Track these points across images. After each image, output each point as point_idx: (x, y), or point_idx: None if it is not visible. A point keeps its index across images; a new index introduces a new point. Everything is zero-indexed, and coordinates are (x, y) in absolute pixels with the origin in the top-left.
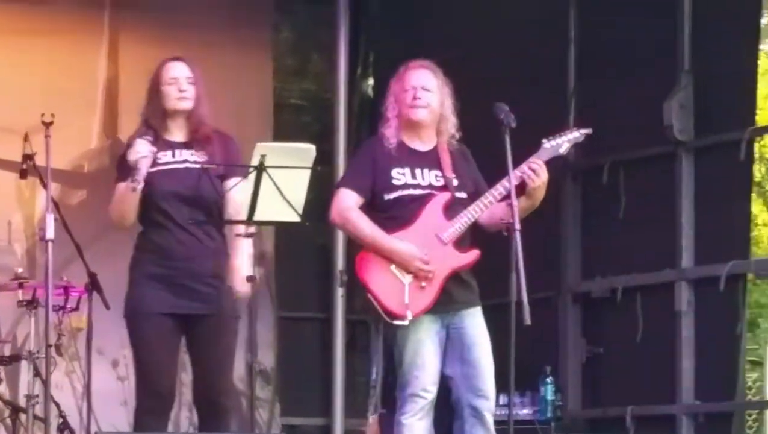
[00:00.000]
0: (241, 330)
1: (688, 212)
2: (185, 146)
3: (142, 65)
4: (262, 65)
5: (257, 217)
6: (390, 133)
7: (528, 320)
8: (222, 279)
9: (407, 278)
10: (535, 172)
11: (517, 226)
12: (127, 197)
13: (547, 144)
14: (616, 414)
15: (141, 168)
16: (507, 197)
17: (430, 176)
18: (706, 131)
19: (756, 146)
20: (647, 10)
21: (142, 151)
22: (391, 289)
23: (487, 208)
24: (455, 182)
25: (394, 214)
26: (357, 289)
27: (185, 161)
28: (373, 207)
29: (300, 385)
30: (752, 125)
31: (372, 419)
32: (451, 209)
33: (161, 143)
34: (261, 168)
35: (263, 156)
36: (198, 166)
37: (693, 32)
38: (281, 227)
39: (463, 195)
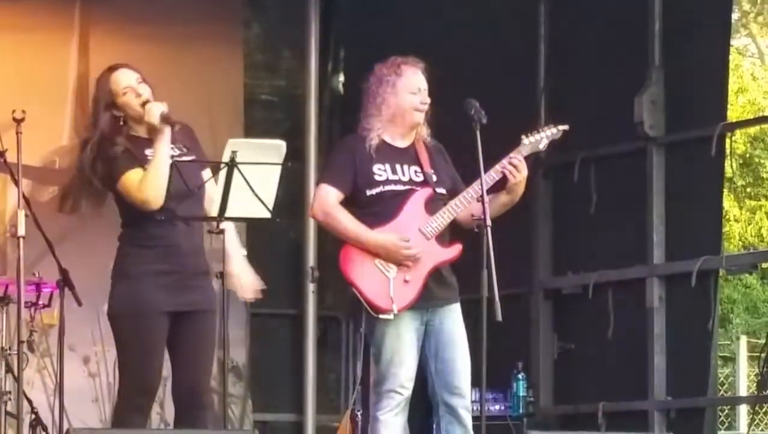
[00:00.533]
0: None
1: (659, 208)
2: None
3: (113, 61)
4: (232, 61)
5: (228, 213)
6: (375, 127)
7: (499, 317)
8: (207, 274)
9: (391, 273)
10: (516, 168)
11: (488, 222)
12: (163, 167)
13: (527, 140)
14: (588, 410)
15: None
16: (488, 192)
17: (410, 172)
18: (677, 126)
19: (728, 142)
20: (617, 6)
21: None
22: (376, 283)
23: (469, 203)
24: (434, 178)
25: (376, 210)
26: (328, 285)
27: (172, 157)
28: (354, 203)
29: (272, 381)
30: (723, 121)
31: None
32: (432, 205)
33: (142, 141)
34: (232, 164)
35: (234, 152)
36: (188, 160)
37: (663, 28)
38: (252, 223)
39: (442, 191)
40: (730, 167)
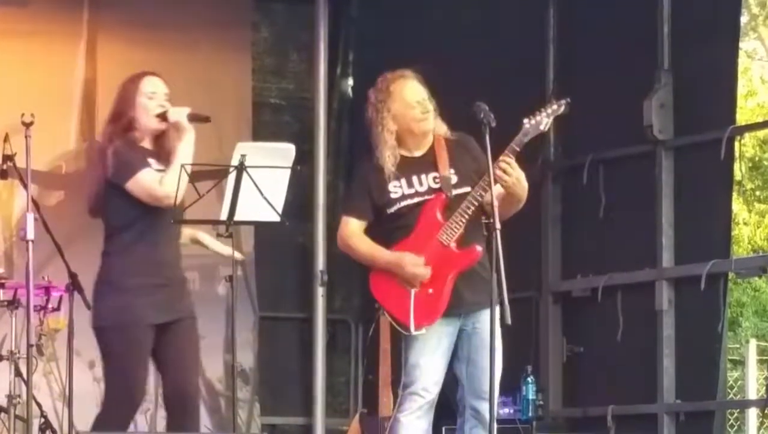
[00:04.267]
0: (219, 331)
1: (668, 211)
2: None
3: (120, 66)
4: (240, 64)
5: (237, 217)
6: (385, 153)
7: (509, 320)
8: (185, 281)
9: (413, 289)
10: (505, 171)
11: (498, 226)
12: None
13: (528, 124)
14: (597, 413)
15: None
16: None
17: (428, 180)
18: (686, 129)
19: (737, 145)
20: (626, 9)
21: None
22: (402, 301)
23: (478, 202)
24: (454, 179)
25: (400, 224)
26: (337, 288)
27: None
28: (380, 223)
29: (281, 385)
30: (732, 124)
31: (354, 418)
32: (450, 209)
33: (147, 151)
34: (241, 168)
35: (243, 156)
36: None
37: (672, 31)
38: (261, 227)
39: (464, 190)
40: (739, 171)
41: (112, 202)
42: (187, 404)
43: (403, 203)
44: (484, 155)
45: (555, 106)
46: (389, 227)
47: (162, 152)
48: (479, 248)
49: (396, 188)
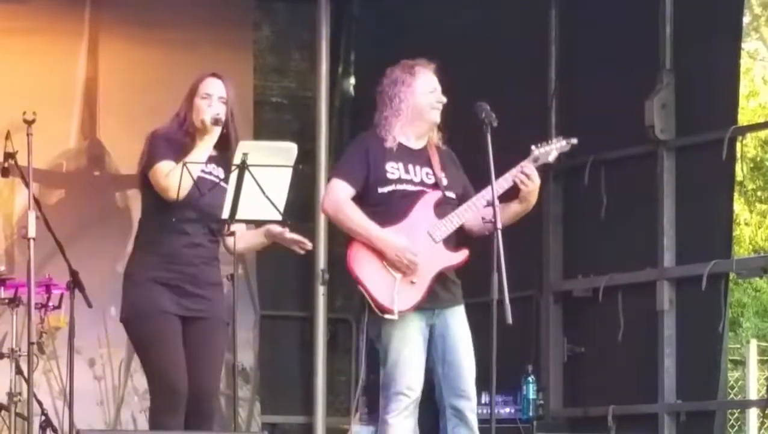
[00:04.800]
0: None
1: (669, 211)
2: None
3: (121, 65)
4: (242, 63)
5: (239, 216)
6: (394, 128)
7: (509, 320)
8: (219, 285)
9: (398, 274)
10: (529, 177)
11: (499, 225)
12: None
13: (537, 151)
14: (598, 413)
15: None
16: (499, 198)
17: (421, 173)
18: (687, 130)
19: (738, 145)
20: (628, 9)
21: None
22: (383, 283)
23: (479, 209)
24: (445, 182)
25: (386, 208)
26: (338, 287)
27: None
28: (365, 200)
29: (281, 384)
30: (734, 124)
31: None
32: (442, 208)
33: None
34: (243, 167)
35: (245, 154)
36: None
37: (674, 31)
38: (263, 226)
39: (451, 195)
40: (740, 171)
41: (142, 192)
42: (202, 407)
43: (399, 187)
44: (485, 156)
45: (564, 143)
46: (373, 208)
47: (221, 160)
48: (467, 253)
49: (393, 170)
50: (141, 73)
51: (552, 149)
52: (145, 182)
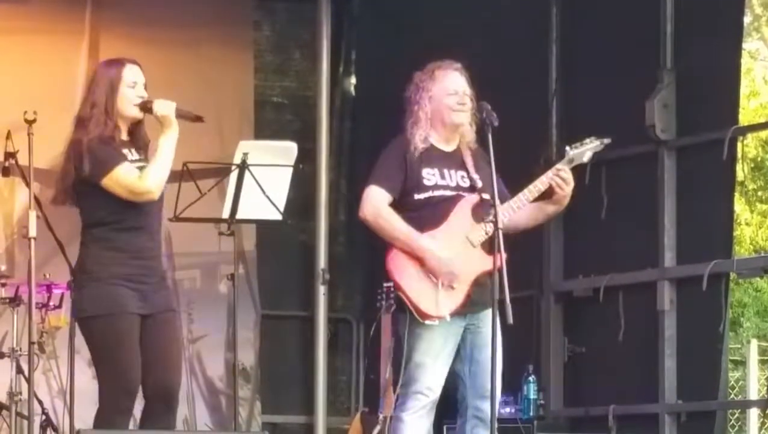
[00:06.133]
0: (221, 329)
1: (670, 211)
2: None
3: None
4: (242, 63)
5: (239, 215)
6: (422, 133)
7: (510, 319)
8: (165, 276)
9: (438, 279)
10: (565, 180)
11: (500, 224)
12: (169, 160)
13: (571, 152)
14: (599, 413)
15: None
16: (538, 198)
17: (456, 177)
18: (688, 130)
19: (739, 145)
20: (629, 9)
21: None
22: (424, 289)
23: (515, 212)
24: (479, 184)
25: (424, 213)
26: (339, 287)
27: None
28: (401, 206)
29: (282, 383)
30: (735, 124)
31: (356, 417)
32: (479, 211)
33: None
34: (243, 166)
35: (246, 154)
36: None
37: (675, 30)
38: (263, 225)
39: (487, 196)
40: (741, 171)
41: (88, 197)
42: (170, 400)
43: (436, 193)
44: (486, 155)
45: (597, 143)
46: (410, 214)
47: (139, 142)
48: (505, 256)
49: (430, 176)
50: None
51: (586, 150)
52: (92, 188)
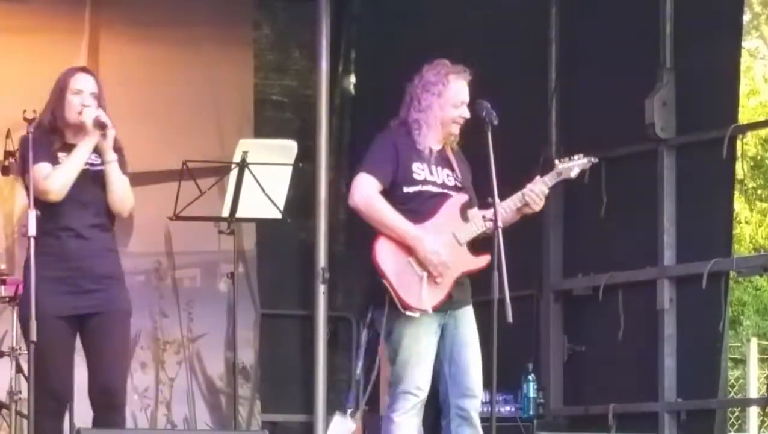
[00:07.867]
0: (220, 328)
1: (670, 209)
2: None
3: (122, 63)
4: (242, 62)
5: (239, 214)
6: (420, 127)
7: (510, 318)
8: (115, 277)
9: (424, 272)
10: (540, 198)
11: (499, 223)
12: (77, 166)
13: (560, 166)
14: (598, 411)
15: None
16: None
17: (443, 175)
18: (688, 128)
19: (738, 144)
20: (629, 7)
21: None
22: (408, 279)
23: (502, 217)
24: (461, 184)
25: (412, 207)
26: (338, 286)
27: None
28: (390, 198)
29: (282, 382)
30: (734, 123)
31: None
32: (466, 210)
33: (66, 146)
34: (243, 165)
35: (245, 152)
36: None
37: (674, 29)
38: (263, 224)
39: (466, 196)
40: (741, 169)
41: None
42: (112, 400)
43: (425, 188)
44: (486, 155)
45: (585, 161)
46: (397, 207)
47: (102, 146)
48: (488, 258)
49: (419, 171)
50: (142, 72)
51: (574, 165)
52: (25, 184)
